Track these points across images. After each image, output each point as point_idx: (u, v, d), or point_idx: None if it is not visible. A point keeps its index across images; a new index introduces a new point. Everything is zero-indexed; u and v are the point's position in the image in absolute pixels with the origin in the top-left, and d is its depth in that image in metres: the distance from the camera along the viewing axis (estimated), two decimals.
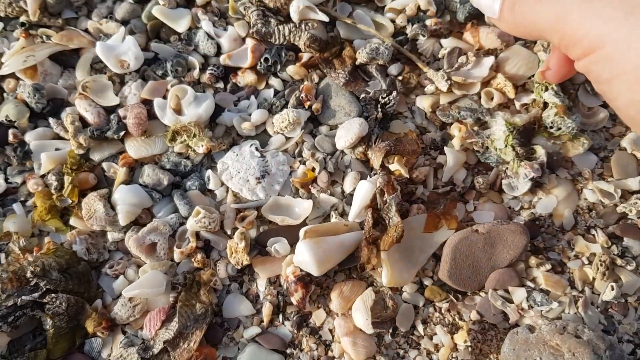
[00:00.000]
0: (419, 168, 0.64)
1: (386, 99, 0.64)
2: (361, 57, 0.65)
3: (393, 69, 0.66)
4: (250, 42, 0.65)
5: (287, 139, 0.64)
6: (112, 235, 0.60)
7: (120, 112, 0.62)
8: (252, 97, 0.65)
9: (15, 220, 0.60)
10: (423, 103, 0.65)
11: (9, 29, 0.66)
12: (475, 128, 0.64)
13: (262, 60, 0.65)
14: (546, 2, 0.39)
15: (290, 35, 0.65)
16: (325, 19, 0.65)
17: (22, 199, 0.62)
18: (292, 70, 0.65)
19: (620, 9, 0.33)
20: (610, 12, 0.34)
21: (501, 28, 0.46)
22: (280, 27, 0.65)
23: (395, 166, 0.62)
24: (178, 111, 0.63)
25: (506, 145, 0.63)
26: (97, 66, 0.65)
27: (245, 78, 0.66)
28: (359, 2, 0.69)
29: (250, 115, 0.64)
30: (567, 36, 0.38)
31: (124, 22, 0.66)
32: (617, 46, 0.34)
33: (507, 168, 0.64)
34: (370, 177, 0.63)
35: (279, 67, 0.65)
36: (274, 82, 0.66)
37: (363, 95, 0.65)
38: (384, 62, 0.65)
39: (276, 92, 0.66)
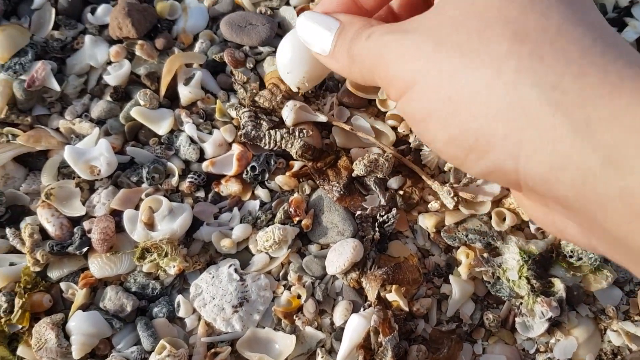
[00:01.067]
0: (421, 299, 0.56)
1: (385, 217, 0.57)
2: (358, 169, 0.58)
3: (393, 182, 0.59)
4: (236, 149, 0.59)
5: (272, 258, 0.57)
6: None
7: (85, 225, 0.55)
8: (235, 209, 0.59)
9: None
10: (426, 222, 0.58)
11: None
12: (485, 255, 0.57)
13: (248, 168, 0.58)
14: (373, 39, 0.34)
15: (282, 141, 0.58)
16: (324, 119, 0.59)
17: None
18: (281, 180, 0.59)
19: (428, 41, 0.30)
20: (419, 47, 0.31)
21: (332, 68, 0.40)
22: (272, 131, 0.59)
23: (393, 296, 0.55)
24: (150, 225, 0.56)
25: (520, 277, 0.55)
26: (65, 170, 0.58)
27: (229, 187, 0.59)
28: (358, 106, 0.63)
29: (231, 230, 0.57)
30: (383, 77, 0.34)
31: (100, 122, 0.60)
32: (426, 82, 0.30)
33: (520, 303, 0.56)
34: (364, 308, 0.55)
35: (266, 176, 0.59)
36: (261, 192, 0.59)
37: (359, 213, 0.58)
38: (384, 175, 0.58)
39: (262, 204, 0.59)
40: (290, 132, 0.59)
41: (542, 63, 0.26)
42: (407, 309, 0.55)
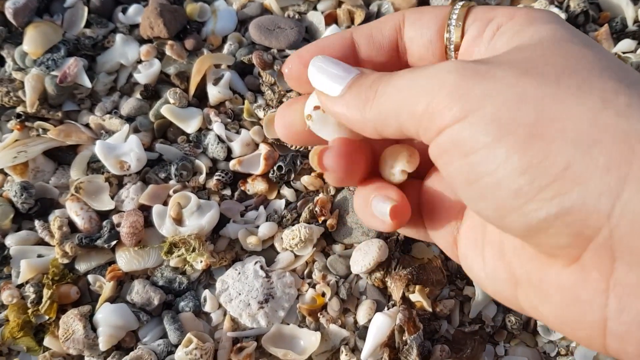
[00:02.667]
0: (444, 300, 0.56)
1: None
2: None
3: None
4: (264, 148, 0.60)
5: (297, 257, 0.58)
6: None
7: (115, 218, 0.56)
8: (261, 207, 0.59)
9: None
10: None
11: (3, 119, 0.61)
12: None
13: (275, 168, 0.59)
14: (403, 75, 0.28)
15: None
16: None
17: None
18: (307, 180, 0.60)
19: (506, 69, 0.26)
20: (490, 71, 0.26)
21: (338, 113, 0.30)
22: None
23: (416, 297, 0.56)
24: (178, 221, 0.56)
25: None
26: (94, 165, 0.59)
27: (255, 186, 0.60)
28: None
29: (257, 228, 0.58)
30: (419, 111, 0.26)
31: (129, 119, 0.61)
32: (499, 104, 0.25)
33: None
34: (388, 308, 0.56)
35: (292, 175, 0.60)
36: (286, 192, 0.60)
37: None
38: None
39: (288, 203, 0.60)
40: None
41: None
42: (430, 309, 0.55)
